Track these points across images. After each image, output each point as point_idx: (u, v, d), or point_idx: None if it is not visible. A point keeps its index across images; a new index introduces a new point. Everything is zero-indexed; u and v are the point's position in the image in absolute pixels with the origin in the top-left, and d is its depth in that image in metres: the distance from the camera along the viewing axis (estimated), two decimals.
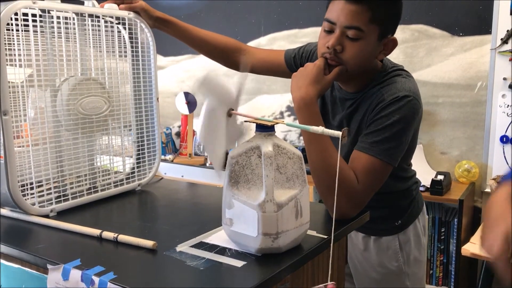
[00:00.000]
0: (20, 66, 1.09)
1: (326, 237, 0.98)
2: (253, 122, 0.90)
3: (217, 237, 0.97)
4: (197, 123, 0.95)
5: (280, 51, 1.56)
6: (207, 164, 2.92)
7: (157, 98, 1.45)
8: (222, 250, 0.90)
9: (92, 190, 1.26)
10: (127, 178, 1.36)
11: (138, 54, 1.37)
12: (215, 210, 1.16)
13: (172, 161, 3.00)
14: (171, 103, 3.21)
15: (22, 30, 1.07)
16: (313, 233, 0.99)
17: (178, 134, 3.36)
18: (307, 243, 0.95)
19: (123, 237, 0.95)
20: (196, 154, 3.12)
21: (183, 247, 0.92)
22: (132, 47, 1.36)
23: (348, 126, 1.33)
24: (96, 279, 0.79)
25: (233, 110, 0.94)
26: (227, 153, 0.94)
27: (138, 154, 1.40)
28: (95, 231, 0.98)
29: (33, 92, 1.14)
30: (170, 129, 3.34)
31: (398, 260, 1.44)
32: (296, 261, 0.87)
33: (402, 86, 1.21)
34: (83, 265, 0.84)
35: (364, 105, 1.27)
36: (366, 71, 1.26)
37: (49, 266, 0.86)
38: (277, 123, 0.89)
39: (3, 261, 0.97)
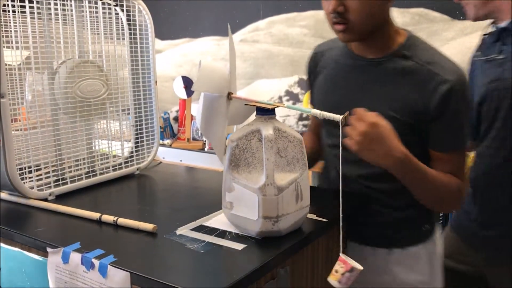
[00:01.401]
0: (17, 48, 1.07)
1: (326, 220, 0.98)
2: (254, 105, 0.89)
3: (217, 220, 0.97)
4: (196, 113, 0.93)
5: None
6: (206, 149, 2.92)
7: (155, 81, 1.44)
8: (222, 233, 0.90)
9: (91, 174, 1.26)
10: (125, 162, 1.35)
11: (136, 36, 1.35)
12: (214, 194, 1.16)
13: (170, 146, 3.00)
14: (169, 87, 3.19)
15: (18, 12, 1.06)
16: (313, 216, 0.99)
17: (176, 119, 3.35)
18: (307, 226, 0.95)
19: (122, 221, 0.94)
20: (194, 139, 3.12)
21: (183, 230, 0.91)
22: (130, 29, 1.34)
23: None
24: (96, 262, 0.79)
25: (232, 93, 0.93)
26: None
27: (137, 138, 1.39)
28: (95, 215, 0.98)
29: (30, 75, 1.13)
30: (168, 114, 3.32)
31: (424, 274, 1.22)
32: (297, 244, 0.87)
33: (451, 66, 1.11)
34: (83, 248, 0.84)
35: (404, 78, 1.12)
36: (381, 27, 1.13)
37: (48, 250, 0.86)
38: (277, 106, 0.88)
39: (2, 245, 0.97)
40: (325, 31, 2.41)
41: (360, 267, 0.86)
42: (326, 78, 1.25)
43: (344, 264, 0.86)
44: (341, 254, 0.87)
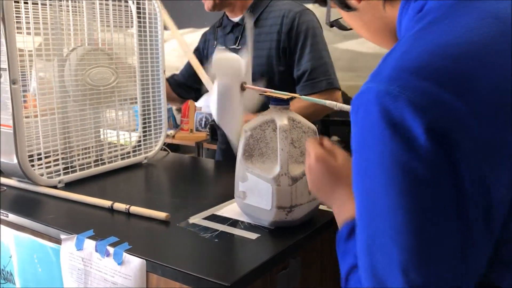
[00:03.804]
0: (28, 34, 1.06)
1: None
2: (269, 95, 0.89)
3: (229, 210, 0.97)
4: (211, 104, 0.93)
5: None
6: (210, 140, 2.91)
7: (164, 71, 1.43)
8: (234, 223, 0.90)
9: (100, 162, 1.25)
10: (133, 151, 1.35)
11: (146, 25, 1.35)
12: (223, 184, 1.16)
13: (173, 137, 2.99)
14: None
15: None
16: (324, 207, 0.99)
17: (179, 109, 3.34)
18: (318, 217, 0.95)
19: (135, 209, 0.94)
20: (197, 130, 3.11)
21: (196, 219, 0.92)
22: (139, 17, 1.33)
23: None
24: (111, 249, 0.79)
25: (246, 83, 0.93)
26: None
27: (145, 127, 1.39)
28: (107, 202, 0.98)
29: (39, 62, 1.12)
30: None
31: None
32: (310, 234, 0.88)
33: None
34: (96, 235, 0.84)
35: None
36: None
37: (62, 236, 0.86)
38: (293, 96, 0.88)
39: (14, 232, 0.97)
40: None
41: None
42: None
43: None
44: None
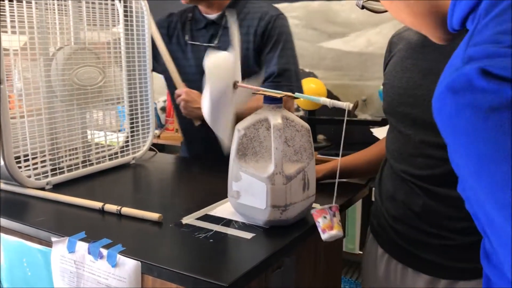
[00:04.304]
0: (13, 33, 1.04)
1: None
2: (262, 94, 0.89)
3: (222, 209, 0.97)
4: (203, 107, 0.92)
5: None
6: None
7: (151, 70, 1.42)
8: (228, 223, 0.90)
9: (88, 163, 1.24)
10: (121, 152, 1.34)
11: (133, 23, 1.33)
12: (214, 184, 1.15)
13: (158, 136, 2.97)
14: (157, 77, 3.15)
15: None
16: (317, 205, 0.99)
17: (163, 109, 3.31)
18: (312, 215, 0.94)
19: (126, 210, 0.93)
20: None
21: (189, 219, 0.91)
22: (125, 15, 1.31)
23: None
24: (105, 251, 0.77)
25: (238, 82, 0.93)
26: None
27: (132, 127, 1.37)
28: (97, 204, 0.96)
29: (25, 62, 1.10)
30: (155, 104, 3.29)
31: None
32: (304, 232, 0.88)
33: None
34: (88, 237, 0.82)
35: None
36: None
37: (53, 239, 0.84)
38: (286, 95, 0.88)
39: (2, 235, 0.94)
40: (316, 22, 2.41)
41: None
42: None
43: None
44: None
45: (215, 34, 1.52)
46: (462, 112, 0.41)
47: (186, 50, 1.58)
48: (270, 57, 1.47)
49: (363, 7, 0.70)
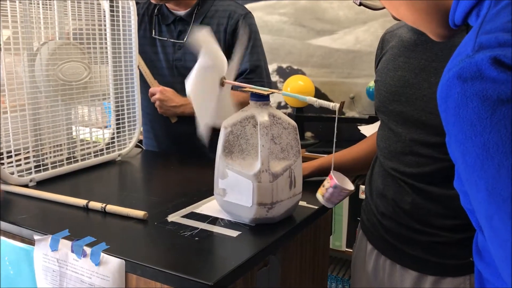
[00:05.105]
0: None
1: (316, 207, 0.98)
2: (249, 91, 0.88)
3: (208, 207, 0.96)
4: (189, 79, 0.91)
5: None
6: None
7: (137, 66, 1.40)
8: (214, 220, 0.89)
9: (72, 160, 1.22)
10: (106, 148, 1.32)
11: (119, 18, 1.31)
12: (200, 181, 1.15)
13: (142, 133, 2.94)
14: None
15: None
16: (304, 203, 0.99)
17: None
18: (298, 213, 0.94)
19: (111, 207, 0.92)
20: None
21: (175, 217, 0.90)
22: (111, 11, 1.30)
23: None
24: (88, 250, 0.76)
25: (225, 79, 0.92)
26: (214, 129, 0.91)
27: (118, 124, 1.36)
28: (81, 201, 0.95)
29: (9, 56, 1.08)
30: None
31: None
32: (291, 230, 0.87)
33: None
34: (72, 235, 0.81)
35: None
36: None
37: (35, 237, 0.83)
38: (273, 92, 0.87)
39: None
40: (304, 19, 2.40)
41: (349, 187, 0.87)
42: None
43: (330, 180, 0.88)
44: (332, 171, 0.89)
45: (183, 30, 1.54)
46: (469, 101, 0.41)
47: (154, 44, 1.58)
48: (242, 55, 1.50)
49: (360, 4, 0.70)
